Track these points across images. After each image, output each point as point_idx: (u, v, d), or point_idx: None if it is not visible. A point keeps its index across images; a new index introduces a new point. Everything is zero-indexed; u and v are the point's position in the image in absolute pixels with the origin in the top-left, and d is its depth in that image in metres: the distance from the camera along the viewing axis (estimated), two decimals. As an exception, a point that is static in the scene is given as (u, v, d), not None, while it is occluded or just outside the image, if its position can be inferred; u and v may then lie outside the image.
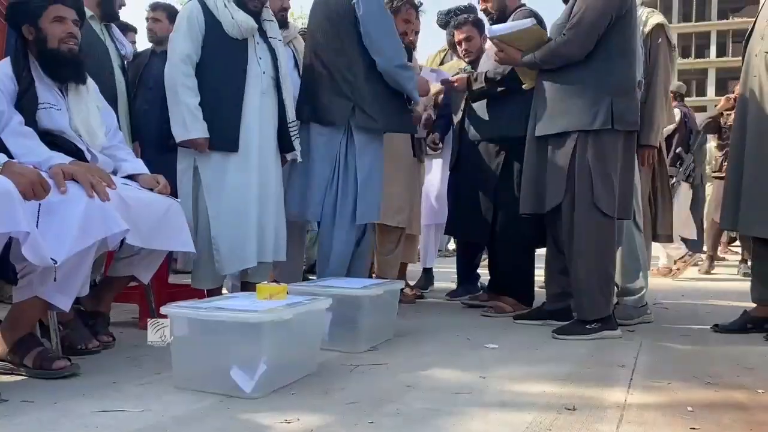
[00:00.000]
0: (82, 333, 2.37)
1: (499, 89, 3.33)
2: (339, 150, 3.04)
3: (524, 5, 3.46)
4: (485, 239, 3.55)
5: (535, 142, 2.91)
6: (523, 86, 3.07)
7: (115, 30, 3.15)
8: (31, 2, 2.30)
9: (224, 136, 2.80)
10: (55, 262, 1.87)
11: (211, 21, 2.82)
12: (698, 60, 40.34)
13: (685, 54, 39.52)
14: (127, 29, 4.79)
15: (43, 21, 2.30)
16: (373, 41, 3.01)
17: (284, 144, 3.00)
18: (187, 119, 2.74)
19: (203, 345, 1.91)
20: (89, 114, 2.42)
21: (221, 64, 2.82)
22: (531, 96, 3.16)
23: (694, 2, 41.99)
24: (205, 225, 2.82)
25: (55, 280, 1.94)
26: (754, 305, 2.99)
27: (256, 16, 2.90)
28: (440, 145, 4.07)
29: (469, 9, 4.13)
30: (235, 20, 2.82)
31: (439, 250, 5.66)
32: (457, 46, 3.83)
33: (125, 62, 3.20)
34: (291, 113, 3.04)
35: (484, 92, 3.38)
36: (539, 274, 3.35)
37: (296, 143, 3.04)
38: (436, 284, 4.47)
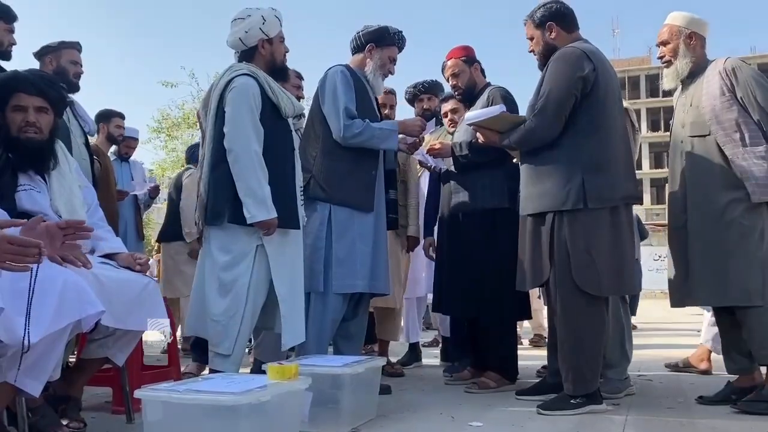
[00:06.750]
0: (51, 419, 2.26)
1: (480, 159, 3.33)
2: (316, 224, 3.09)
3: (490, 84, 3.55)
4: (473, 314, 3.42)
5: (522, 221, 2.95)
6: (514, 160, 3.13)
7: (78, 107, 3.16)
8: None
9: (288, 213, 2.80)
10: (28, 347, 1.80)
11: (266, 100, 2.80)
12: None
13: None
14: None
15: (7, 109, 2.30)
16: (327, 120, 3.12)
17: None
18: (267, 201, 2.70)
19: (179, 430, 1.85)
20: (72, 194, 2.43)
21: (280, 145, 2.85)
22: (512, 167, 3.27)
23: (626, 84, 44.53)
24: (270, 302, 2.79)
25: (18, 368, 1.83)
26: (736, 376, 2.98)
27: None
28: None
29: (435, 83, 4.25)
30: (291, 101, 2.91)
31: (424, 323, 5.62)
32: (443, 118, 3.91)
33: (88, 138, 3.24)
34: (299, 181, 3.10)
35: (469, 160, 3.36)
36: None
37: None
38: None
